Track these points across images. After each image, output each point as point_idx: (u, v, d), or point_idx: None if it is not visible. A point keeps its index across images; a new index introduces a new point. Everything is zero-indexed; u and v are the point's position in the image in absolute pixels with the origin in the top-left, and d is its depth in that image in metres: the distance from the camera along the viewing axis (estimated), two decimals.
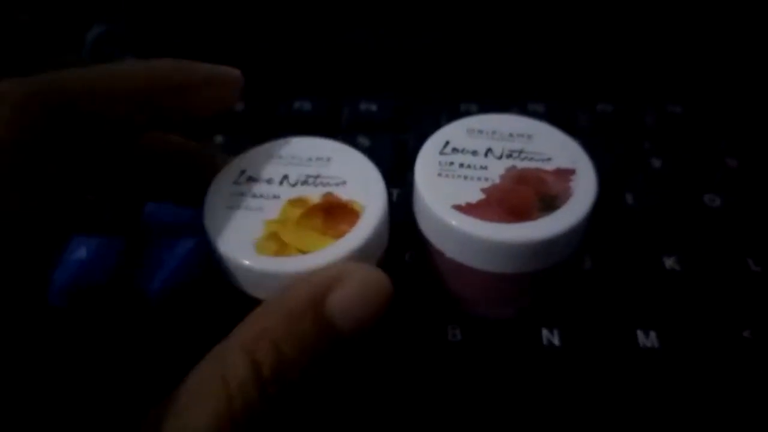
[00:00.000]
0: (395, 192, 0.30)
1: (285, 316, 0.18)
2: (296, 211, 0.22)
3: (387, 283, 0.19)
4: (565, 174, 0.23)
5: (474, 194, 0.22)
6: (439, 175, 0.23)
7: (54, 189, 0.19)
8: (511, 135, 0.24)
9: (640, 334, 0.25)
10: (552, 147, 0.24)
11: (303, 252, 0.21)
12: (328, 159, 0.24)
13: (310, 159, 0.24)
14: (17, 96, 0.18)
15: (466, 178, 0.23)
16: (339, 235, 0.21)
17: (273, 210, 0.22)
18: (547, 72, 0.38)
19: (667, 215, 0.30)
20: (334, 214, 0.22)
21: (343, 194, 0.23)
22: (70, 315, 0.24)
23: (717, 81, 0.37)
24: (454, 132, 0.25)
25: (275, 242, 0.21)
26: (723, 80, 0.37)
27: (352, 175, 0.24)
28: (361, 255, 0.21)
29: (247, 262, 0.21)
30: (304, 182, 0.23)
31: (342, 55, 0.38)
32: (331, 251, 0.21)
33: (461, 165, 0.23)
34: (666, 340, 0.25)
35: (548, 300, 0.25)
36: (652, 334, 0.25)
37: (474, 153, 0.24)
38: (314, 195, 0.23)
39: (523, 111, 0.35)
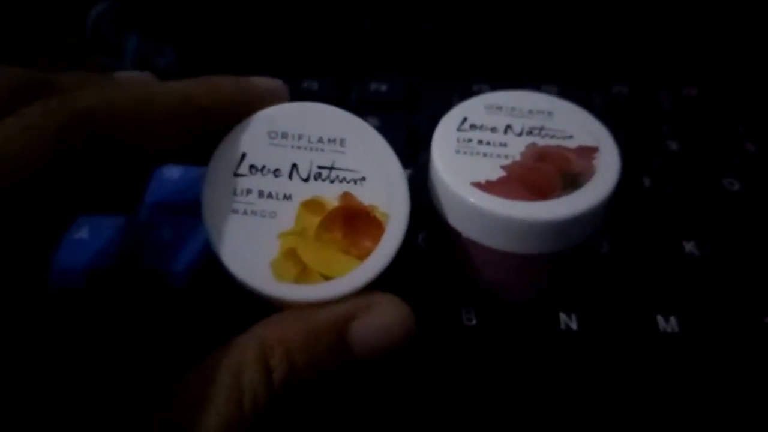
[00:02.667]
0: (408, 171, 0.29)
1: (305, 332, 0.18)
2: (313, 218, 0.20)
3: (411, 318, 0.19)
4: (588, 152, 0.22)
5: (494, 171, 0.22)
6: (457, 152, 0.22)
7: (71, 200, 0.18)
8: (530, 112, 0.24)
9: (660, 319, 0.24)
10: (574, 124, 0.23)
11: (326, 276, 0.19)
12: (342, 141, 0.21)
13: (320, 139, 0.21)
14: (53, 131, 0.16)
15: (485, 155, 0.22)
16: (363, 254, 0.19)
17: (286, 217, 0.20)
18: (561, 53, 0.37)
19: (686, 199, 0.29)
20: (355, 225, 0.20)
21: (362, 196, 0.20)
22: (87, 297, 0.23)
23: (733, 64, 0.36)
24: (472, 108, 0.24)
25: (294, 263, 0.19)
26: (739, 63, 0.36)
27: (372, 168, 0.21)
28: (384, 275, 0.20)
29: (267, 292, 0.19)
30: (318, 176, 0.20)
31: (351, 36, 0.38)
32: (356, 277, 0.19)
33: (480, 142, 0.22)
34: (686, 326, 0.24)
35: (567, 283, 0.24)
36: (672, 319, 0.24)
37: (493, 129, 0.23)
38: (330, 195, 0.20)
39: (537, 92, 0.34)
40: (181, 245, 0.25)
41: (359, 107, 0.34)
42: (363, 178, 0.21)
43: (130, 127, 0.18)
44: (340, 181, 0.20)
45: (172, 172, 0.27)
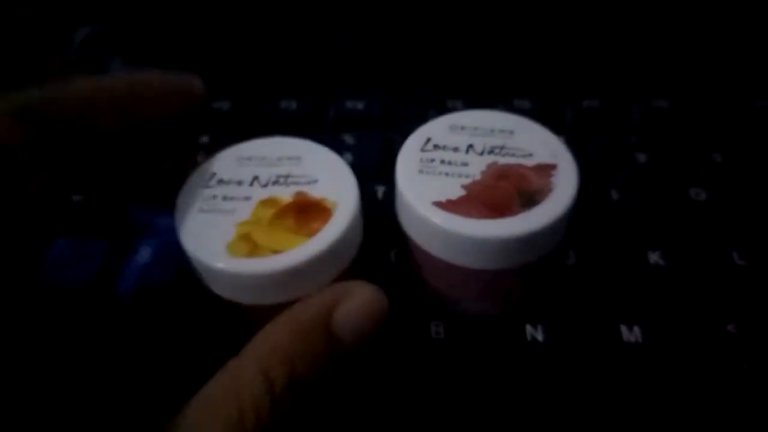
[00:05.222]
0: (381, 189, 0.30)
1: (296, 333, 0.19)
2: (268, 211, 0.22)
3: (385, 299, 0.20)
4: (546, 169, 0.23)
5: (455, 190, 0.22)
6: (420, 171, 0.23)
7: (39, 193, 0.20)
8: (492, 131, 0.24)
9: (623, 328, 0.25)
10: (533, 142, 0.24)
11: (276, 252, 0.21)
12: (299, 158, 0.24)
13: (280, 158, 0.24)
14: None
15: (447, 174, 0.23)
16: (311, 234, 0.21)
17: (244, 211, 0.22)
18: (533, 68, 0.38)
19: (652, 210, 0.30)
20: (306, 212, 0.22)
21: (314, 192, 0.23)
22: (51, 316, 0.24)
23: (703, 76, 0.37)
24: (436, 128, 0.25)
25: (247, 244, 0.21)
26: (709, 75, 0.37)
27: (323, 173, 0.23)
28: (333, 252, 0.21)
29: (219, 265, 0.21)
30: (275, 182, 0.23)
31: (327, 55, 0.38)
32: (303, 250, 0.21)
33: (442, 161, 0.23)
34: (650, 335, 0.25)
35: (532, 296, 0.25)
36: (636, 329, 0.25)
37: (455, 149, 0.24)
38: (285, 195, 0.23)
39: (510, 107, 0.35)
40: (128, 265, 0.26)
41: (337, 125, 0.35)
42: (315, 180, 0.23)
43: (74, 113, 0.21)
44: (295, 184, 0.23)
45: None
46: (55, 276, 0.25)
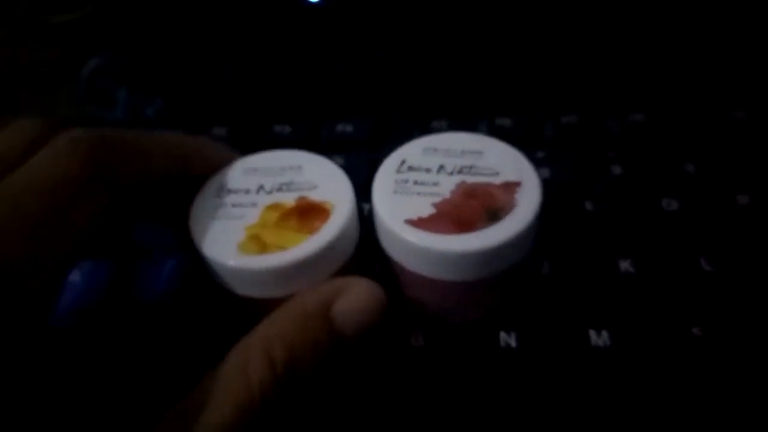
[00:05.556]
0: (366, 207, 0.32)
1: (297, 320, 0.21)
2: (274, 214, 0.25)
3: (382, 293, 0.23)
4: (511, 187, 0.25)
5: (426, 209, 0.24)
6: (395, 192, 0.25)
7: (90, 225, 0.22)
8: (463, 152, 0.26)
9: (592, 333, 0.27)
10: (500, 161, 0.26)
11: (282, 249, 0.23)
12: (300, 167, 0.27)
13: (283, 168, 0.27)
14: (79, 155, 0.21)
15: (419, 194, 0.25)
16: (313, 231, 0.24)
17: (252, 216, 0.25)
18: (513, 87, 0.39)
19: (625, 219, 0.31)
20: (308, 213, 0.25)
21: (315, 197, 0.25)
22: (73, 334, 0.26)
23: (680, 88, 0.39)
24: (411, 151, 0.27)
25: (257, 243, 0.24)
26: (686, 87, 0.39)
27: (322, 179, 0.26)
28: (333, 247, 0.24)
29: (232, 263, 0.23)
30: (279, 189, 0.26)
31: (319, 82, 0.41)
32: (307, 245, 0.23)
33: (415, 182, 0.25)
34: (617, 339, 0.27)
35: (507, 304, 0.27)
36: (604, 333, 0.27)
37: (427, 170, 0.25)
38: (289, 200, 0.25)
39: (492, 125, 0.37)
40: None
41: (329, 147, 0.37)
42: (315, 186, 0.26)
43: (134, 155, 0.23)
44: (298, 191, 0.26)
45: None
46: (71, 297, 0.27)
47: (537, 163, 0.26)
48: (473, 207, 0.24)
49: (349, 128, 0.37)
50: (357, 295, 0.22)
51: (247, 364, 0.20)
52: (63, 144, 0.21)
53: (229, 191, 0.26)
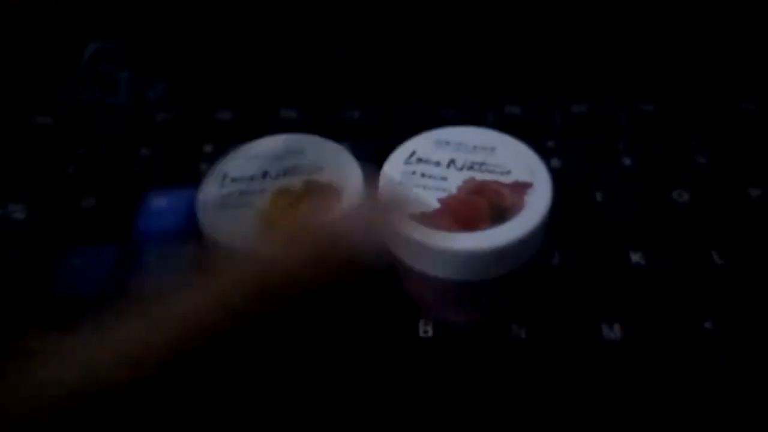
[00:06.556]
0: None
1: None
2: (283, 199, 0.25)
3: None
4: (522, 187, 0.24)
5: (431, 204, 0.24)
6: (400, 183, 0.24)
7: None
8: (475, 147, 0.25)
9: (604, 326, 0.26)
10: (513, 160, 0.25)
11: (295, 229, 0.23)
12: (302, 151, 0.26)
13: (286, 153, 0.26)
14: None
15: (425, 187, 0.24)
16: (328, 211, 0.24)
17: (262, 201, 0.25)
18: (523, 76, 0.39)
19: (636, 211, 0.31)
20: (317, 194, 0.25)
21: (321, 178, 0.25)
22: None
23: (689, 80, 0.38)
24: (423, 142, 0.26)
25: (269, 227, 0.24)
26: (695, 79, 0.38)
27: (328, 161, 0.26)
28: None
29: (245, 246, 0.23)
30: (284, 174, 0.26)
31: (327, 67, 0.40)
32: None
33: (423, 175, 0.24)
34: (629, 332, 0.26)
35: (511, 306, 0.26)
36: (616, 326, 0.26)
37: (437, 164, 0.25)
38: (296, 183, 0.25)
39: (501, 114, 0.36)
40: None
41: (335, 133, 0.36)
42: (321, 168, 0.26)
43: None
44: (303, 173, 0.26)
45: (160, 201, 0.30)
46: (67, 285, 0.27)
47: (547, 153, 0.26)
48: (479, 205, 0.23)
49: (356, 114, 0.36)
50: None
51: None
52: None
53: (234, 180, 0.26)
